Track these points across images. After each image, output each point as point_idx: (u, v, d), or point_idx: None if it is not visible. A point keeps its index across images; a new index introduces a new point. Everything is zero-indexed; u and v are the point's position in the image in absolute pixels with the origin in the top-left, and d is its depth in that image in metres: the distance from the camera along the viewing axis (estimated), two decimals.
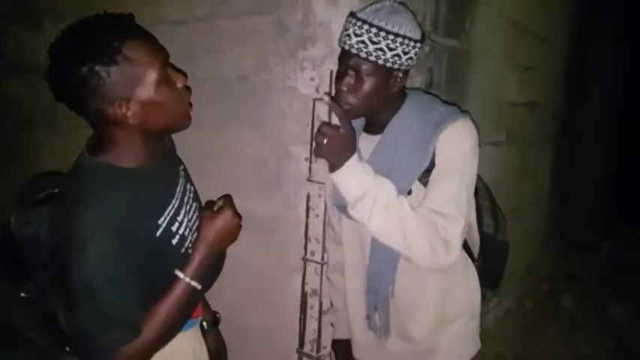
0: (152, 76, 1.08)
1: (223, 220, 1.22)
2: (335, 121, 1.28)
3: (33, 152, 2.73)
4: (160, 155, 1.22)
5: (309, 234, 1.80)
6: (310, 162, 1.77)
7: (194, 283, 1.17)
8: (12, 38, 2.71)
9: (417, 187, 1.34)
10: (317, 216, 1.77)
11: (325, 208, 1.72)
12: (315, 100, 1.71)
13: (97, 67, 1.02)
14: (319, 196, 1.75)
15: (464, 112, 1.41)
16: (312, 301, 1.84)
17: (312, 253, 1.80)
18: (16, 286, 1.23)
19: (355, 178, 1.28)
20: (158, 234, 1.15)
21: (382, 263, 1.42)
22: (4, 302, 1.44)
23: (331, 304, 1.75)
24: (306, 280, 1.84)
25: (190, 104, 1.21)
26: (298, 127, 1.78)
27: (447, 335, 1.49)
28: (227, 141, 1.97)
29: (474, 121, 1.38)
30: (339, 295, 1.65)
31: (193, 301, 1.23)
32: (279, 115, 1.82)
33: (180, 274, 1.17)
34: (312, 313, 1.85)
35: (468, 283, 1.53)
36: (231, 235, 1.25)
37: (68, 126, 2.15)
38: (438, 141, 1.31)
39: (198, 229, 1.24)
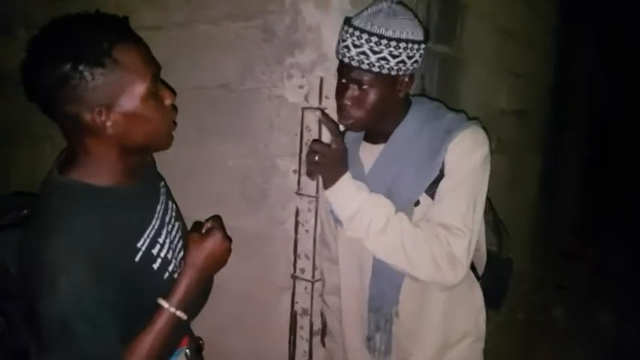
0: (141, 86, 0.99)
1: (212, 243, 1.13)
2: (325, 133, 1.20)
3: (1, 166, 2.58)
4: (140, 172, 1.12)
5: (299, 250, 1.71)
6: (299, 174, 1.67)
7: (179, 313, 1.07)
8: None
9: (424, 198, 1.26)
10: (307, 231, 1.68)
11: (316, 222, 1.63)
12: (304, 109, 1.62)
13: (81, 66, 0.92)
14: (309, 210, 1.66)
15: (472, 119, 1.33)
16: (303, 322, 1.74)
17: (302, 271, 1.71)
18: None
19: (349, 196, 1.22)
20: (137, 258, 1.05)
21: (385, 283, 1.34)
22: None
23: (324, 327, 1.66)
24: (296, 299, 1.74)
25: (175, 123, 1.11)
26: (286, 138, 1.68)
27: (451, 358, 1.40)
28: (209, 154, 1.86)
29: (485, 129, 1.30)
30: (337, 319, 1.55)
31: (179, 332, 1.12)
32: (265, 126, 1.73)
33: (165, 304, 1.06)
34: (303, 334, 1.75)
35: (473, 303, 1.45)
36: (221, 259, 1.16)
37: (40, 136, 2.03)
38: (447, 150, 1.23)
39: (185, 253, 1.14)
